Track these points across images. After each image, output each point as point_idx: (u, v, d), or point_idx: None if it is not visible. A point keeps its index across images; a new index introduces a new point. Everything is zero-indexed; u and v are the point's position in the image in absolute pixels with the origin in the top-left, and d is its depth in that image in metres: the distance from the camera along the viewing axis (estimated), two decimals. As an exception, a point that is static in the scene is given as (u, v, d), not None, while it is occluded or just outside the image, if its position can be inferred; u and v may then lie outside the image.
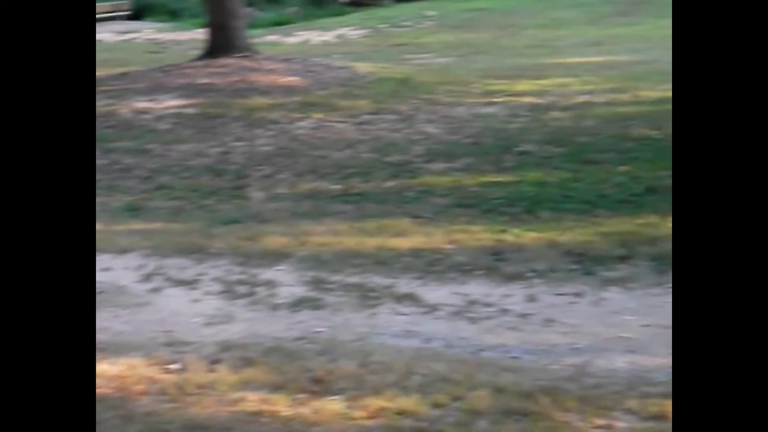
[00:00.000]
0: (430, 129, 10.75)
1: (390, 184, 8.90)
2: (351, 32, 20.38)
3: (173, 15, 25.51)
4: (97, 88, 12.03)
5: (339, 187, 8.90)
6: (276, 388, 4.82)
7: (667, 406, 4.53)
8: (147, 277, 6.66)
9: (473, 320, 5.91)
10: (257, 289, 6.46)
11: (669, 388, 4.82)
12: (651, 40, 16.02)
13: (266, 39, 18.74)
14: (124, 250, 7.20)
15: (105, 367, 5.00)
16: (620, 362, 5.22)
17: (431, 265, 6.81)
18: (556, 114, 11.13)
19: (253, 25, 19.84)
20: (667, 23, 17.56)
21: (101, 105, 11.80)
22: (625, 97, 11.75)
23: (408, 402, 4.61)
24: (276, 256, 7.05)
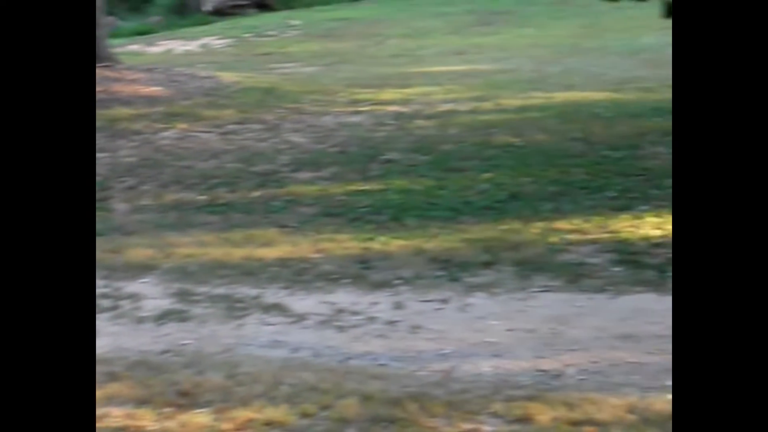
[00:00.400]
0: (297, 138, 10.75)
1: (256, 194, 8.87)
2: (215, 42, 20.23)
3: (32, 24, 24.93)
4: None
5: (204, 197, 8.82)
6: (141, 402, 4.75)
7: (532, 408, 4.61)
8: (7, 293, 6.51)
9: (341, 329, 5.92)
10: (122, 302, 6.36)
11: (533, 391, 4.92)
12: (511, 49, 16.29)
13: (128, 49, 18.48)
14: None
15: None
16: (486, 366, 5.30)
17: (298, 274, 6.81)
18: (420, 122, 11.23)
19: (115, 35, 19.54)
20: (527, 32, 17.90)
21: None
22: (487, 105, 11.92)
23: (276, 412, 4.60)
24: (141, 269, 6.96)
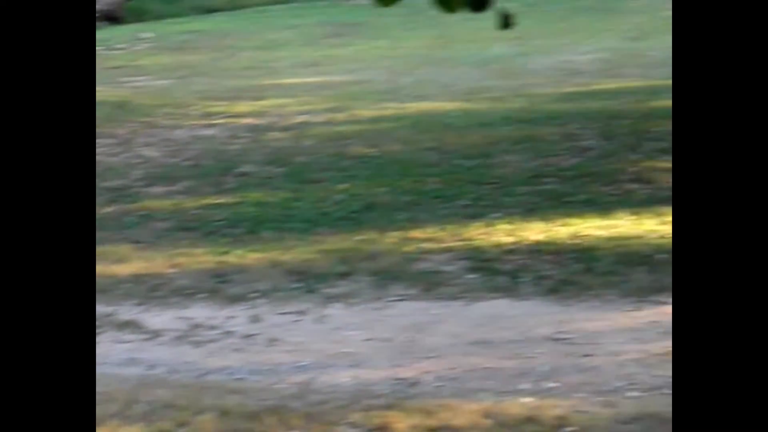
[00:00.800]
0: (149, 152, 10.61)
1: (108, 209, 8.71)
2: (64, 55, 19.82)
3: None
4: None
5: (55, 214, 8.64)
6: (-9, 426, 4.62)
7: (390, 416, 4.65)
8: None
9: (197, 344, 5.87)
10: (-31, 324, 6.18)
11: (391, 400, 4.95)
12: (365, 60, 16.38)
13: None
14: None
15: None
16: (344, 377, 5.32)
17: (153, 290, 6.72)
18: (275, 134, 11.21)
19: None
20: (379, 43, 18.03)
21: None
22: (342, 116, 11.96)
23: (132, 431, 4.53)
24: (-11, 289, 6.78)
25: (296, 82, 14.79)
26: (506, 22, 4.74)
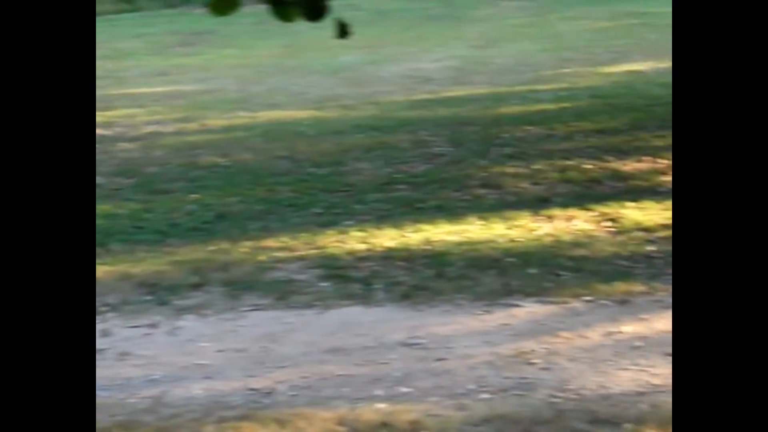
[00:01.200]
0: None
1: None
2: None
3: None
4: None
5: None
6: None
7: (244, 428, 4.63)
8: None
9: (45, 360, 5.73)
10: None
11: (245, 411, 4.93)
12: (215, 69, 16.28)
13: None
14: None
15: None
16: (197, 389, 5.27)
17: (-2, 306, 6.55)
18: (124, 145, 11.06)
19: None
20: (230, 52, 17.93)
21: None
22: (192, 126, 11.87)
23: (-23, 452, 4.40)
24: None
25: (145, 91, 14.60)
26: (343, 30, 4.76)
